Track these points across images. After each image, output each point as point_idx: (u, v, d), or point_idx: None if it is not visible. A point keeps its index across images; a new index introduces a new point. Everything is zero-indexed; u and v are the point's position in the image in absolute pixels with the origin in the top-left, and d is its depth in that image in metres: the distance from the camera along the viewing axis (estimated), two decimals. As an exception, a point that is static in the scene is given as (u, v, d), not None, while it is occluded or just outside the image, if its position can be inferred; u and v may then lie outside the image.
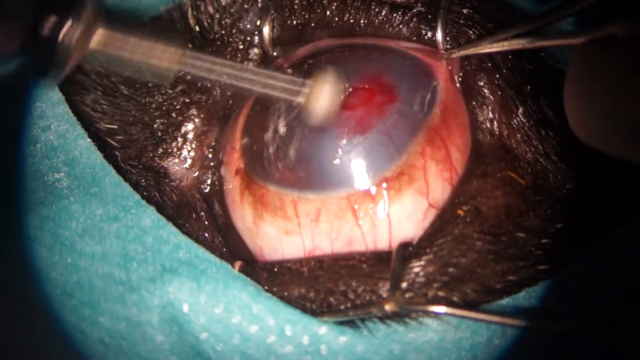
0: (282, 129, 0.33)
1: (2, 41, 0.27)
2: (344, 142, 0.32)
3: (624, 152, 0.23)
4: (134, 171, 0.36)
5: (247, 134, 0.35)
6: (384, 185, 0.32)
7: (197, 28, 0.37)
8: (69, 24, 0.26)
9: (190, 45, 0.36)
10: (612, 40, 0.23)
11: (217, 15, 0.37)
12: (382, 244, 0.32)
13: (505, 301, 0.30)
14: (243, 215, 0.34)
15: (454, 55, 0.35)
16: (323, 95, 0.30)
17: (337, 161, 0.32)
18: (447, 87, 0.34)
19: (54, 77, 0.27)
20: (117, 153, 0.36)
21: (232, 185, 0.35)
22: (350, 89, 0.33)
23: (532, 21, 0.30)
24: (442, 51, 0.35)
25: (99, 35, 0.27)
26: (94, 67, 0.34)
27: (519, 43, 0.31)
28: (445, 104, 0.33)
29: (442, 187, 0.32)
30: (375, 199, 0.32)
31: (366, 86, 0.33)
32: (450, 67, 0.35)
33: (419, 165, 0.32)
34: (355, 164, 0.32)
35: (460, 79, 0.35)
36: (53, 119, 0.34)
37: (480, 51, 0.33)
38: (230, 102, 0.38)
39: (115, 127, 0.36)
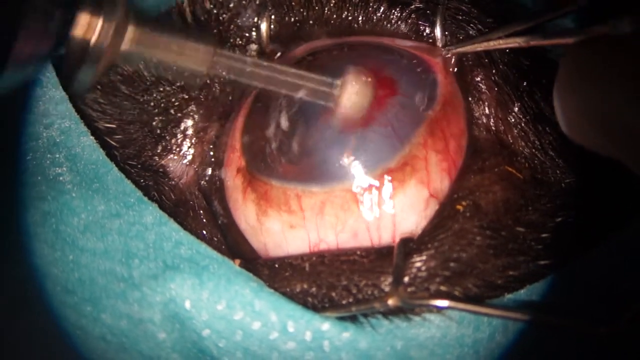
0: (284, 124, 0.33)
1: (35, 40, 0.26)
2: (348, 134, 0.32)
3: (613, 152, 0.23)
4: (132, 171, 0.36)
5: (248, 133, 0.35)
6: (388, 177, 0.32)
7: (195, 24, 0.37)
8: (101, 22, 0.26)
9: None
10: (604, 40, 0.23)
11: (215, 11, 0.37)
12: (387, 234, 0.32)
13: (507, 298, 0.30)
14: (246, 213, 0.34)
15: (450, 54, 0.35)
16: (355, 93, 0.31)
17: (341, 154, 0.32)
18: (445, 81, 0.34)
19: (86, 80, 0.26)
20: (115, 153, 0.36)
21: (234, 184, 0.35)
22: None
23: (530, 19, 0.31)
24: (439, 48, 0.35)
25: (130, 34, 0.27)
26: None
27: (516, 42, 0.31)
28: (445, 97, 0.34)
29: (441, 177, 0.33)
30: (380, 190, 0.32)
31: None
32: (447, 63, 0.35)
33: (421, 156, 0.32)
34: (360, 156, 0.32)
35: (455, 72, 0.35)
36: (56, 116, 0.34)
37: (477, 49, 0.34)
38: (230, 97, 0.38)
39: (114, 126, 0.36)
